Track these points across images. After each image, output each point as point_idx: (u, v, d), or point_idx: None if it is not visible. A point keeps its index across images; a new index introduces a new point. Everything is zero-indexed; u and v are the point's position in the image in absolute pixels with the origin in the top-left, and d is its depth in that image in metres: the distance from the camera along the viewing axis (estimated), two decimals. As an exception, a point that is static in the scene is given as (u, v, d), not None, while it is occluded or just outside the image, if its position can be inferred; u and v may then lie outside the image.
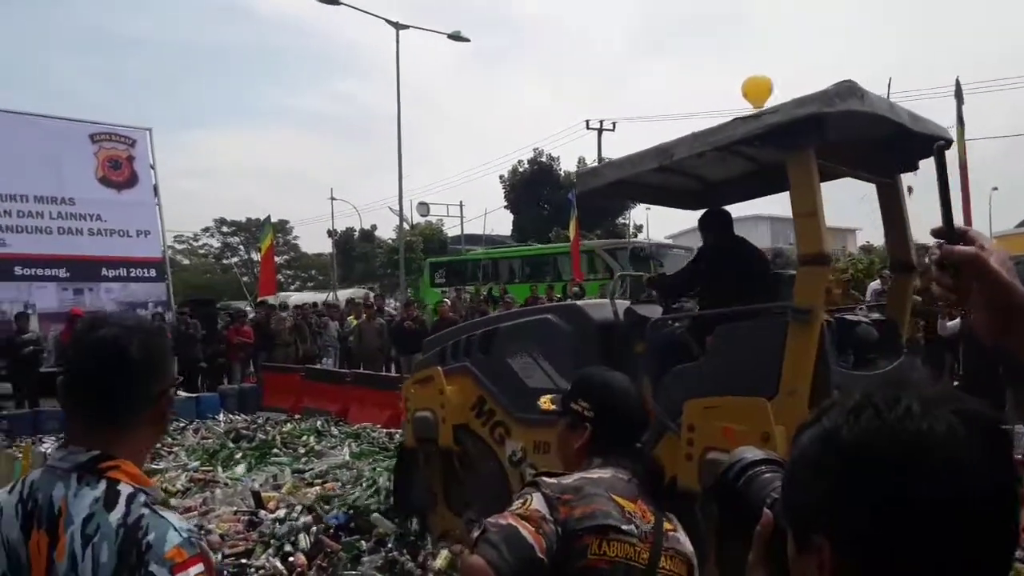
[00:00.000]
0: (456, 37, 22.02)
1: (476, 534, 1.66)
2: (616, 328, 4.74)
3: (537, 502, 1.70)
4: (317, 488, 6.84)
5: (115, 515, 1.28)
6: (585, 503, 1.70)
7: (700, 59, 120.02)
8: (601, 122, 33.58)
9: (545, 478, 1.78)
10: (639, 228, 40.67)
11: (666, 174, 5.03)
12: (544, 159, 40.45)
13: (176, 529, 1.29)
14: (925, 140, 4.34)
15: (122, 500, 1.30)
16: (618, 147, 42.18)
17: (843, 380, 3.78)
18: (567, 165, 39.76)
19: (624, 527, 1.70)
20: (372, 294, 26.44)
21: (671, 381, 4.19)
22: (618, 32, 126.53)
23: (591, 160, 34.12)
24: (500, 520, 1.66)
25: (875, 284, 12.07)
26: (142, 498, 1.32)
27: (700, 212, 5.02)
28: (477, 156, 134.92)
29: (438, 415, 5.16)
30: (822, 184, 5.03)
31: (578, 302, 6.17)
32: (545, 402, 2.17)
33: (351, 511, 5.95)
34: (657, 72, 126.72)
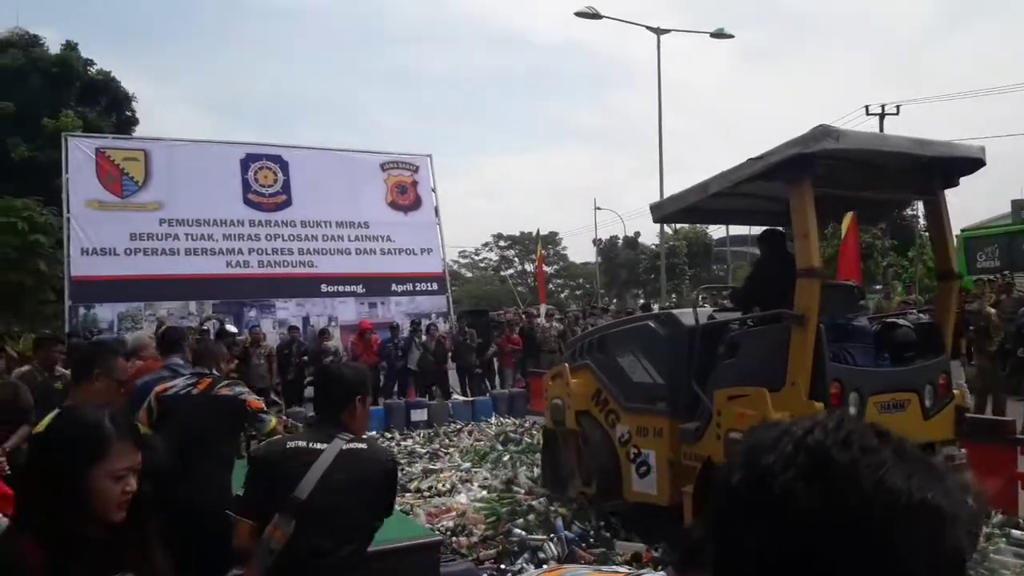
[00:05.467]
0: (719, 35, 21.39)
1: None
2: (699, 332, 5.67)
3: None
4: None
5: None
6: None
7: (1012, 27, 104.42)
8: (883, 106, 31.56)
9: None
10: (930, 220, 37.19)
11: (748, 199, 5.85)
12: (815, 150, 38.55)
13: None
14: (964, 161, 4.80)
15: None
16: (903, 131, 38.93)
17: (840, 374, 4.47)
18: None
19: None
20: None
21: (716, 374, 5.09)
22: (906, 8, 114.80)
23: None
24: None
25: None
26: None
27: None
28: (745, 153, 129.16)
29: (566, 403, 6.43)
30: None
31: (674, 311, 7.03)
32: None
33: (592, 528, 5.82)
34: (956, 47, 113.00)
